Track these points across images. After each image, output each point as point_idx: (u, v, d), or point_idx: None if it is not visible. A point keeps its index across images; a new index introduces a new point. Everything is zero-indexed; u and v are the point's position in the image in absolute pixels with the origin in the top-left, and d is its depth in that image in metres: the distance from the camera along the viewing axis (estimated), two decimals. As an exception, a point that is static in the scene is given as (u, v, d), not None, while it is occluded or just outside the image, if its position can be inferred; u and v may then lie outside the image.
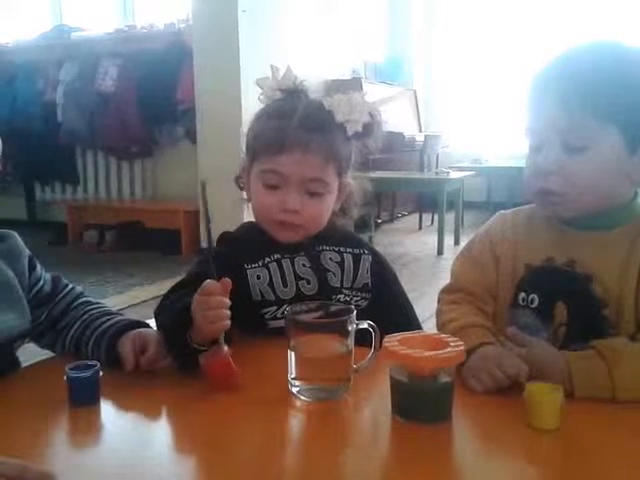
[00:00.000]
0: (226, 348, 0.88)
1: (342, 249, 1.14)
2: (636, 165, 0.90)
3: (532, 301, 0.96)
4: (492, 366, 0.84)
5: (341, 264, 1.12)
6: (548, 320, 0.95)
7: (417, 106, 6.79)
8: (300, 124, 1.04)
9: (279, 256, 1.09)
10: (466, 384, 0.85)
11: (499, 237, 1.02)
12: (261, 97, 1.12)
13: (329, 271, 1.10)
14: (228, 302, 0.89)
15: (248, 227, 1.19)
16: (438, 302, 1.05)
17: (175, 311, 0.95)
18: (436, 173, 5.18)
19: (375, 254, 1.18)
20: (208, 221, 0.91)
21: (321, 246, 1.12)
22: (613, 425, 0.78)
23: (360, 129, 1.07)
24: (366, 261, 1.15)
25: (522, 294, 0.98)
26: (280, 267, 1.08)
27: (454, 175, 5.01)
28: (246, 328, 1.02)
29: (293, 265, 1.09)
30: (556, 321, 0.94)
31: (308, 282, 1.09)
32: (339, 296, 1.10)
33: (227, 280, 0.89)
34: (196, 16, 4.38)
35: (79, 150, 5.42)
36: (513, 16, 6.47)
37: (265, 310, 1.06)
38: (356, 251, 1.15)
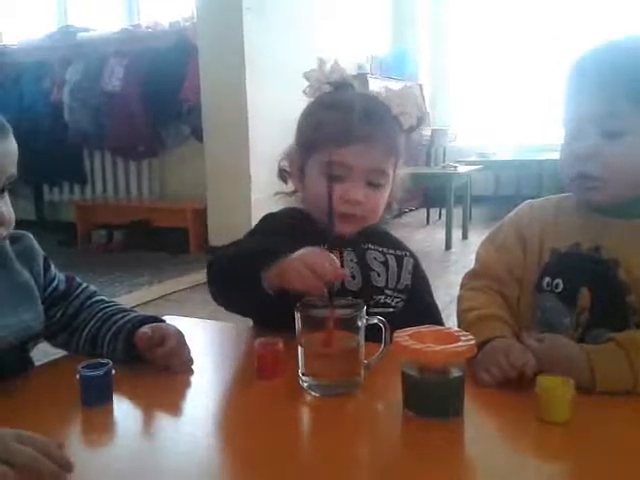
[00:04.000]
0: (281, 344, 0.90)
1: (385, 250, 1.15)
2: None
3: (556, 286, 0.97)
4: (500, 357, 0.85)
5: (385, 264, 1.13)
6: (571, 305, 0.96)
7: (423, 100, 6.77)
8: (363, 116, 1.05)
9: (328, 247, 1.09)
10: (476, 377, 0.86)
11: (526, 222, 1.04)
12: (307, 90, 1.12)
13: (374, 270, 1.11)
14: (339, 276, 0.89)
15: (294, 213, 1.17)
16: (461, 287, 1.06)
17: (266, 244, 0.95)
18: (443, 167, 5.17)
19: (415, 257, 1.19)
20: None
21: (367, 244, 1.13)
22: (625, 417, 0.78)
23: (414, 122, 1.08)
24: (409, 263, 1.16)
25: (547, 279, 0.99)
26: None
27: (461, 169, 4.99)
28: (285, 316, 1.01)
29: (342, 258, 1.09)
30: (579, 306, 0.95)
31: (353, 277, 1.09)
32: (380, 297, 1.10)
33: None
34: (201, 14, 4.39)
35: (86, 150, 5.43)
36: (520, 8, 6.43)
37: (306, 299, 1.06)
38: (399, 253, 1.16)
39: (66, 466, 0.63)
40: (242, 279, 0.94)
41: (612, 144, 0.91)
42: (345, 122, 1.04)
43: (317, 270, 0.86)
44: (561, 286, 0.97)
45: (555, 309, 0.97)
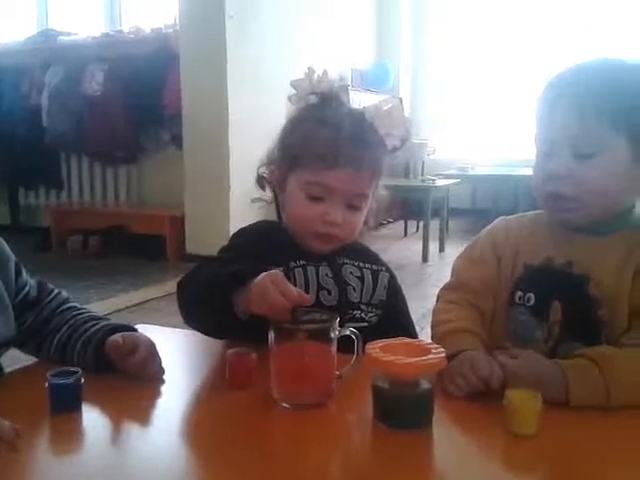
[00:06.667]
0: (253, 355, 0.89)
1: (361, 264, 1.14)
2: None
3: (528, 300, 0.99)
4: (465, 368, 0.86)
5: (361, 279, 1.12)
6: (543, 318, 0.97)
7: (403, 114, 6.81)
8: (352, 138, 1.03)
9: (304, 262, 1.08)
10: (444, 389, 0.86)
11: (501, 237, 1.05)
12: (293, 98, 1.11)
13: (350, 285, 1.10)
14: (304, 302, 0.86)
15: (268, 226, 1.17)
16: (437, 300, 1.07)
17: (234, 268, 0.92)
18: (422, 180, 5.21)
19: (390, 271, 1.19)
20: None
21: (343, 259, 1.12)
22: (590, 431, 0.79)
23: (398, 143, 1.08)
24: (384, 278, 1.16)
25: (519, 292, 1.00)
26: (305, 273, 1.07)
27: (439, 182, 5.04)
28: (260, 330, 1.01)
29: (317, 274, 1.08)
30: (551, 320, 0.96)
31: (329, 293, 1.08)
32: (356, 312, 1.10)
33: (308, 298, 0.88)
34: (183, 21, 4.39)
35: (64, 154, 5.38)
36: (500, 26, 6.53)
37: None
38: (374, 267, 1.16)
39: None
40: (213, 306, 0.93)
41: (585, 165, 0.92)
42: (333, 143, 1.03)
43: (270, 301, 0.84)
44: (533, 300, 0.99)
45: (527, 322, 0.99)
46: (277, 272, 0.88)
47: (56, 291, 1.08)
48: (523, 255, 1.02)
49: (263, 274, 0.88)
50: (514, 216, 1.10)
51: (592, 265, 0.94)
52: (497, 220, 1.10)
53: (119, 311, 3.35)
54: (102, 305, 3.34)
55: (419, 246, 4.82)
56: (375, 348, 0.79)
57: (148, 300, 3.64)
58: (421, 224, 5.22)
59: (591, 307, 0.93)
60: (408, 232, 5.93)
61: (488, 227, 1.10)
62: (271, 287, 0.85)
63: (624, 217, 0.98)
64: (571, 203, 0.94)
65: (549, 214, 1.01)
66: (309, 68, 1.09)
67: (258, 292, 0.86)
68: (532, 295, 0.99)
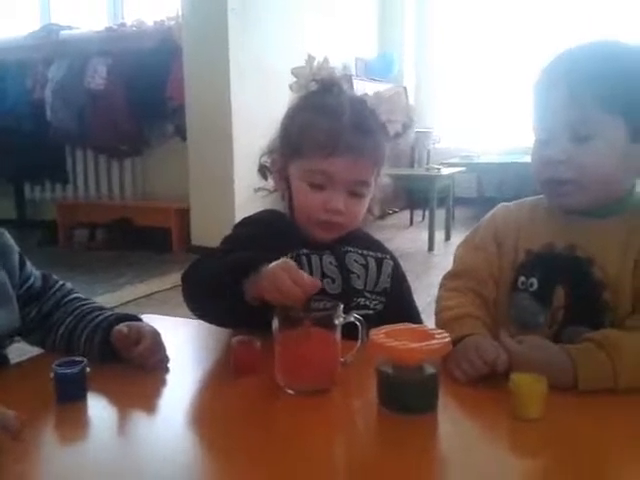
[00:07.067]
0: (258, 342, 0.90)
1: (365, 252, 1.14)
2: (638, 154, 0.93)
3: (531, 285, 0.99)
4: (472, 354, 0.86)
5: (365, 267, 1.12)
6: (546, 304, 0.97)
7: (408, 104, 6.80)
8: (352, 125, 1.03)
9: (308, 251, 1.07)
10: (450, 374, 0.86)
11: (502, 225, 1.05)
12: (293, 86, 1.12)
13: (353, 273, 1.10)
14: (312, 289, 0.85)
15: (272, 216, 1.16)
16: (440, 288, 1.07)
17: (245, 255, 0.93)
18: (427, 169, 5.19)
19: (395, 259, 1.18)
20: None
21: (346, 247, 1.12)
22: (595, 415, 0.79)
23: (401, 129, 1.07)
24: (388, 266, 1.16)
25: (522, 278, 1.00)
26: (309, 262, 1.07)
27: (445, 171, 5.02)
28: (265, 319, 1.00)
29: (321, 262, 1.08)
30: (554, 304, 0.96)
31: (333, 281, 1.08)
32: (360, 299, 1.10)
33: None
34: (186, 14, 4.37)
35: (68, 148, 5.39)
36: (504, 13, 6.48)
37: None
38: (379, 255, 1.16)
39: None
40: (223, 293, 0.92)
41: (582, 148, 0.92)
42: (333, 131, 1.02)
43: (284, 290, 0.84)
44: (536, 285, 0.98)
45: (530, 308, 0.98)
46: (288, 260, 0.89)
47: (60, 282, 1.08)
48: (524, 240, 1.01)
49: (275, 262, 0.88)
50: (514, 202, 1.09)
51: (595, 248, 0.94)
52: (497, 207, 1.10)
53: (125, 304, 3.36)
54: (109, 298, 3.35)
55: (425, 235, 4.81)
56: (379, 334, 0.79)
57: (154, 292, 3.65)
58: (427, 213, 5.21)
59: (596, 290, 0.93)
60: (414, 221, 5.91)
61: (488, 214, 1.10)
62: (283, 275, 0.85)
63: (624, 199, 0.97)
64: (570, 187, 0.94)
65: (549, 199, 1.01)
66: (309, 55, 1.09)
67: (270, 279, 0.86)
68: (535, 280, 0.98)
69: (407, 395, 0.78)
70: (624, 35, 0.95)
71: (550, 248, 0.98)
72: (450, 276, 1.07)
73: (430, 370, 0.78)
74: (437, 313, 1.02)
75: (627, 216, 0.96)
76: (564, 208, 0.98)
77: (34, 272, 1.05)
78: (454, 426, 0.79)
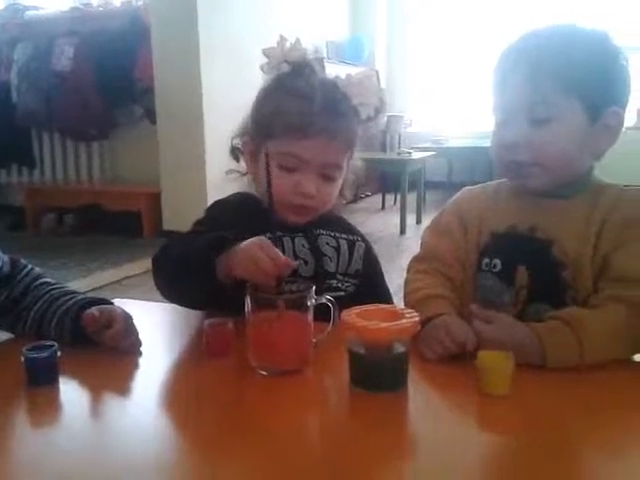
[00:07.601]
0: (230, 324, 0.90)
1: (337, 235, 1.14)
2: (596, 136, 0.94)
3: (495, 266, 1.01)
4: (442, 334, 0.88)
5: (337, 249, 1.13)
6: (510, 283, 0.99)
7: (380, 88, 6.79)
8: (324, 108, 1.02)
9: (280, 233, 1.07)
10: (420, 353, 0.88)
11: (466, 207, 1.07)
12: (265, 67, 1.10)
13: (326, 255, 1.11)
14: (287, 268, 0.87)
15: (244, 198, 1.16)
16: (407, 271, 1.08)
17: (215, 234, 0.93)
18: (398, 154, 5.21)
19: (366, 242, 1.19)
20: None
21: (319, 229, 1.12)
22: (561, 391, 0.81)
23: (372, 113, 1.07)
24: (360, 248, 1.17)
25: (485, 259, 1.02)
26: (282, 244, 1.06)
27: (416, 155, 5.05)
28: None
29: (294, 244, 1.08)
30: (517, 284, 0.98)
31: (305, 263, 1.08)
32: (332, 281, 1.10)
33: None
34: (153, -7, 4.30)
35: (35, 132, 5.29)
36: (473, -4, 6.50)
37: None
38: (351, 237, 1.16)
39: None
40: (195, 273, 0.92)
41: (541, 130, 0.93)
42: (305, 113, 1.02)
43: (260, 266, 0.85)
44: (499, 266, 1.00)
45: (494, 288, 1.01)
46: (264, 238, 0.89)
47: (29, 267, 1.06)
48: (488, 223, 1.03)
49: (250, 239, 0.88)
50: (478, 186, 1.11)
51: (555, 229, 0.96)
52: (461, 191, 1.12)
53: (97, 289, 3.33)
54: (79, 283, 3.32)
55: (397, 219, 4.85)
56: (350, 314, 0.80)
57: (126, 277, 3.62)
58: (398, 197, 5.24)
59: (555, 270, 0.95)
60: (386, 205, 5.95)
61: (453, 198, 1.12)
62: (260, 252, 0.86)
63: (585, 178, 0.99)
64: (531, 169, 0.95)
65: (511, 181, 1.03)
66: (281, 36, 1.08)
67: (245, 256, 0.87)
68: (498, 261, 1.00)
69: (378, 374, 0.79)
70: (584, 21, 0.97)
71: (513, 230, 1.00)
72: (417, 259, 1.09)
73: (400, 349, 0.79)
74: (406, 295, 1.03)
75: (586, 196, 0.97)
76: (527, 189, 1.00)
77: (2, 257, 1.03)
78: (424, 403, 0.80)
